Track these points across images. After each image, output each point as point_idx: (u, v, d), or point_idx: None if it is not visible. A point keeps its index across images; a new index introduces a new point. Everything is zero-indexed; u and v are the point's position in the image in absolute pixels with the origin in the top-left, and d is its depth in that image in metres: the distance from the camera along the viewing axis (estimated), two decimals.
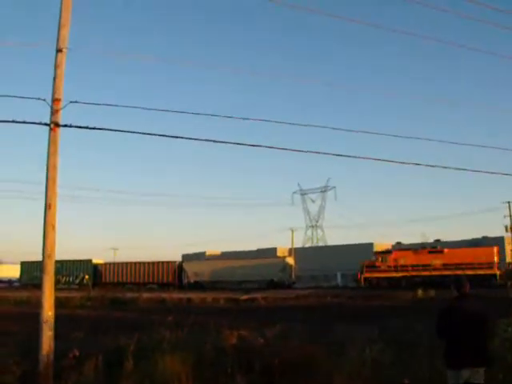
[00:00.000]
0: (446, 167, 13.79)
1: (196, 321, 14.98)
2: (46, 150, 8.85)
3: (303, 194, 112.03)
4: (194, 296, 39.91)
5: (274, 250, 79.51)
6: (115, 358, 9.06)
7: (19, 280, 72.37)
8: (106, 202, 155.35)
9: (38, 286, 9.01)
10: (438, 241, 56.90)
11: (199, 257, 79.26)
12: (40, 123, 8.74)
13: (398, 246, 55.42)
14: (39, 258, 8.82)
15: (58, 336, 8.75)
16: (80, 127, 8.92)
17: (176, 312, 18.82)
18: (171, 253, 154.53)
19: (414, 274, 45.07)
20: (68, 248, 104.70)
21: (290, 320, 17.10)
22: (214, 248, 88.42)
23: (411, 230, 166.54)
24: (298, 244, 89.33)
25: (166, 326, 11.57)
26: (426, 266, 44.66)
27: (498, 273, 41.56)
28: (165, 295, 39.97)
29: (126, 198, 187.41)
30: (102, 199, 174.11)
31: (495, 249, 43.40)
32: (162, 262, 61.79)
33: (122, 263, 65.38)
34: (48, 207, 8.79)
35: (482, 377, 6.07)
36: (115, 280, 61.99)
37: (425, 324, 10.19)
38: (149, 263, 62.38)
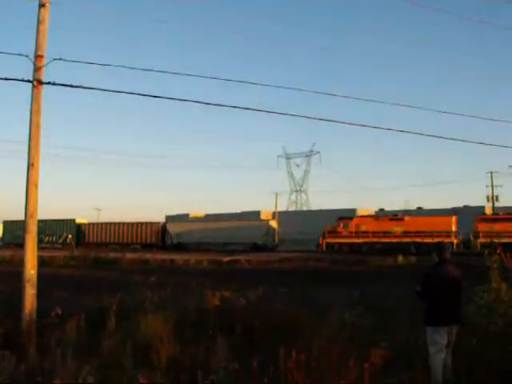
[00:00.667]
0: (431, 135, 13.87)
1: (179, 282, 15.17)
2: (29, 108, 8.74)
3: (288, 158, 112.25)
4: (178, 257, 40.02)
5: (258, 213, 79.84)
6: (98, 318, 9.15)
7: (2, 239, 72.00)
8: (91, 162, 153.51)
9: (21, 245, 8.96)
10: (419, 208, 57.90)
11: (183, 218, 79.33)
12: (23, 80, 8.57)
13: (381, 213, 56.03)
14: (22, 217, 8.75)
15: (40, 295, 8.78)
16: (63, 85, 8.76)
17: (159, 273, 19.00)
18: (155, 214, 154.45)
19: (374, 240, 45.94)
20: (51, 208, 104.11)
21: (273, 283, 17.33)
22: (198, 210, 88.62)
23: (396, 196, 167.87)
24: (282, 208, 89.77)
25: (149, 287, 11.71)
26: (386, 233, 45.61)
27: (455, 241, 42.59)
28: (148, 256, 39.98)
29: (110, 159, 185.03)
30: (86, 159, 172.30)
31: (453, 218, 44.50)
32: (146, 223, 61.78)
33: (106, 223, 65.19)
34: (31, 166, 8.69)
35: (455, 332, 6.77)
36: (99, 240, 61.92)
37: (405, 288, 10.42)
38: (132, 224, 62.30)
